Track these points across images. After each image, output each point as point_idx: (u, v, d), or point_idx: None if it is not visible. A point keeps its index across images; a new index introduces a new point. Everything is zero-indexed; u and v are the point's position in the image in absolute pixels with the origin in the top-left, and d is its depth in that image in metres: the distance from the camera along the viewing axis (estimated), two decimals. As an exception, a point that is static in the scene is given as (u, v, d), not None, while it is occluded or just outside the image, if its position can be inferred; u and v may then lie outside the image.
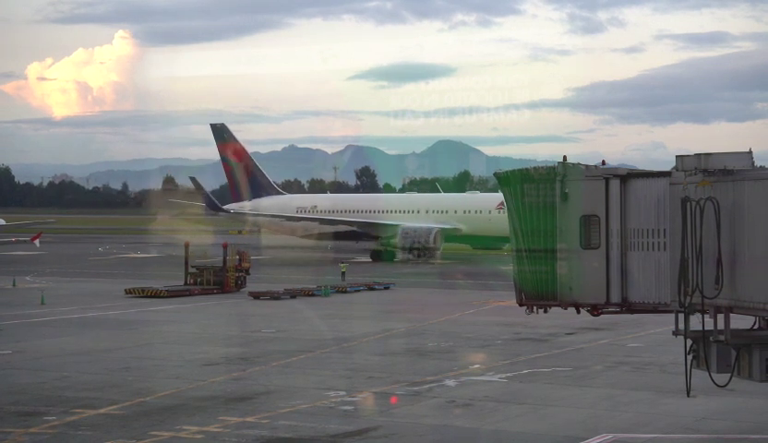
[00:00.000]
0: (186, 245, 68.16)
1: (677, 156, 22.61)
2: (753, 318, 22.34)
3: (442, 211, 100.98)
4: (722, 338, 21.80)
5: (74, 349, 39.27)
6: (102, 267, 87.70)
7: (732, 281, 21.22)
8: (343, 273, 71.78)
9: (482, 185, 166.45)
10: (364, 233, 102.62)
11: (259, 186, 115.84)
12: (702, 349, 22.18)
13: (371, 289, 65.62)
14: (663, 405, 27.94)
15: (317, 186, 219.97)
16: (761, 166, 21.84)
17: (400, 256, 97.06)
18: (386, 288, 66.77)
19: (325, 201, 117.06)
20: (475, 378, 32.71)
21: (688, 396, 23.09)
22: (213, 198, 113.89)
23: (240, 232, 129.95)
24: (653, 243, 22.46)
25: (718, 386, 22.26)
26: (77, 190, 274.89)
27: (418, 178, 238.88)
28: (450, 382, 31.82)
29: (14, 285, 67.19)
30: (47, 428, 25.38)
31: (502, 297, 54.75)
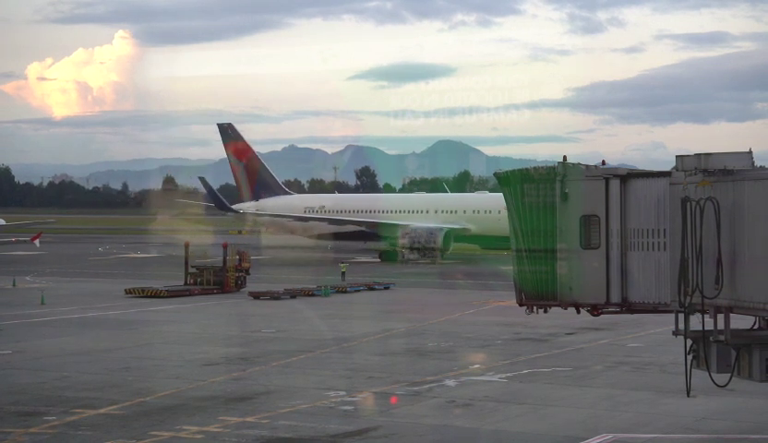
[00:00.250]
0: (186, 246, 68.16)
1: (677, 156, 22.62)
2: (753, 318, 22.34)
3: (451, 211, 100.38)
4: (722, 338, 21.80)
5: (74, 349, 39.27)
6: (102, 267, 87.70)
7: (732, 281, 21.23)
8: (343, 273, 71.77)
9: (482, 185, 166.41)
10: (372, 234, 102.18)
11: (267, 186, 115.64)
12: (702, 349, 22.18)
13: (371, 289, 65.63)
14: (663, 405, 27.94)
15: (316, 186, 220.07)
16: (761, 166, 21.84)
17: (407, 256, 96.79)
18: (386, 288, 66.77)
19: (333, 201, 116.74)
20: (475, 378, 32.71)
21: (688, 396, 23.09)
22: (222, 198, 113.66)
23: (240, 232, 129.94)
24: (653, 243, 22.46)
25: (718, 386, 22.26)
26: (77, 190, 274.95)
27: (418, 178, 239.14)
28: (450, 382, 31.82)
29: (14, 285, 67.19)
30: (47, 428, 25.38)
31: (502, 297, 54.75)
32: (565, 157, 23.29)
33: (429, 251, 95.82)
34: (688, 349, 22.58)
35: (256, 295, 59.79)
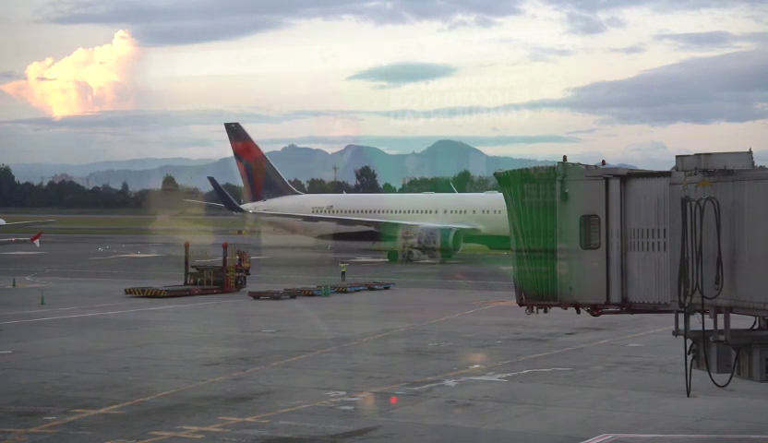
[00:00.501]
0: (186, 245, 68.17)
1: (677, 156, 22.62)
2: (753, 318, 22.34)
3: (461, 211, 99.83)
4: (722, 338, 21.80)
5: (74, 349, 39.27)
6: (102, 267, 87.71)
7: (732, 281, 21.23)
8: (343, 273, 71.78)
9: (482, 186, 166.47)
10: (381, 234, 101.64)
11: (274, 186, 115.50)
12: (702, 349, 22.19)
13: (371, 289, 65.62)
14: (663, 405, 27.94)
15: (316, 186, 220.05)
16: (760, 166, 21.84)
17: (416, 255, 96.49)
18: (386, 288, 66.77)
19: (341, 201, 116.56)
20: (475, 378, 32.71)
21: (688, 396, 23.10)
22: (232, 198, 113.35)
23: (240, 232, 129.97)
24: (653, 243, 22.46)
25: (718, 386, 22.26)
26: (77, 190, 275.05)
27: (418, 178, 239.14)
28: (450, 382, 31.82)
29: (14, 285, 67.18)
30: (47, 428, 25.39)
31: (502, 297, 54.75)
32: (565, 157, 23.30)
33: (438, 251, 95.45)
34: (688, 349, 22.58)
35: (256, 295, 59.79)
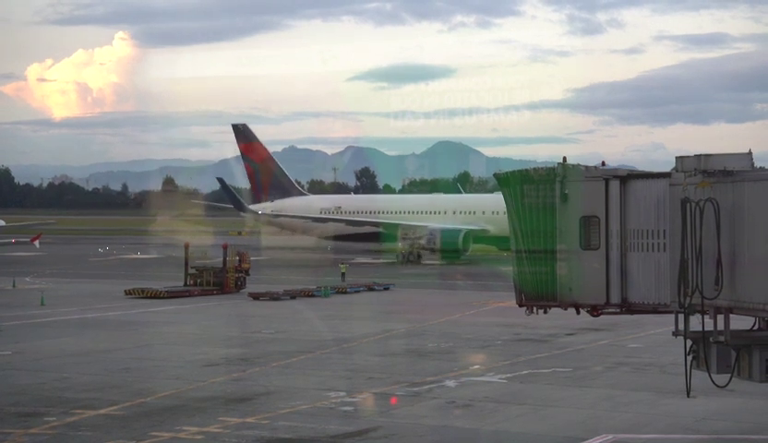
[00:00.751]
0: (186, 246, 68.18)
1: (676, 157, 22.63)
2: (753, 319, 22.35)
3: (470, 212, 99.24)
4: (722, 338, 21.81)
5: (74, 349, 39.27)
6: (102, 268, 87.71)
7: (732, 281, 21.24)
8: (343, 274, 71.78)
9: (481, 187, 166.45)
10: (390, 235, 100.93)
11: (282, 187, 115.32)
12: (701, 349, 22.20)
13: (371, 290, 65.62)
14: (663, 405, 27.95)
15: (316, 187, 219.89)
16: (760, 167, 21.86)
17: (424, 256, 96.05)
18: (386, 289, 66.77)
19: (349, 202, 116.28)
20: (475, 379, 32.72)
21: (688, 396, 23.11)
22: (240, 199, 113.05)
23: (240, 233, 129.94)
24: (652, 244, 22.47)
25: (718, 386, 22.27)
26: (76, 191, 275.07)
27: (418, 179, 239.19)
28: (450, 383, 31.83)
29: (14, 286, 67.17)
30: (47, 429, 25.39)
31: (502, 298, 54.75)
32: (565, 158, 23.32)
33: (447, 252, 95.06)
34: (688, 349, 22.59)
35: (255, 296, 59.80)
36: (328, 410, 27.74)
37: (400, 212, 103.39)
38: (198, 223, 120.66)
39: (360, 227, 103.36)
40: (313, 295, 60.91)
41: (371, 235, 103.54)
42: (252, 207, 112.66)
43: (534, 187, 23.39)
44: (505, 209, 24.86)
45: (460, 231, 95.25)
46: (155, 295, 60.14)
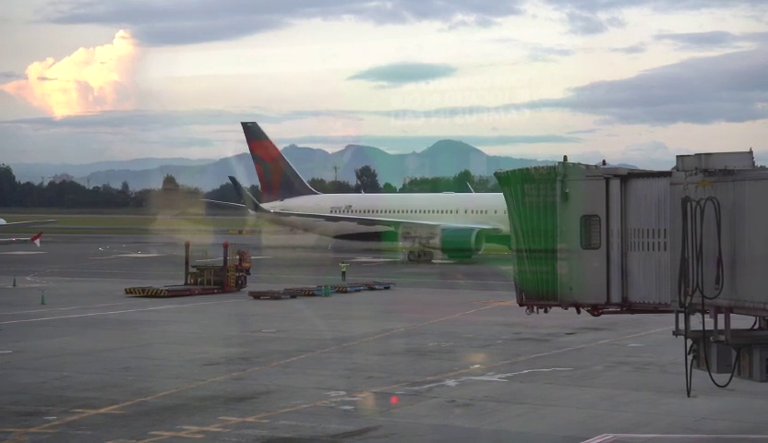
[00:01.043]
0: (187, 245, 68.18)
1: (677, 156, 22.62)
2: (753, 318, 22.34)
3: (481, 211, 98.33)
4: (722, 338, 21.80)
5: (74, 349, 39.27)
6: (103, 267, 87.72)
7: (732, 281, 21.23)
8: (344, 273, 71.77)
9: (482, 186, 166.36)
10: (401, 233, 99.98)
11: (292, 186, 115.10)
12: (702, 349, 22.19)
13: (371, 289, 65.61)
14: (663, 405, 27.94)
15: (317, 186, 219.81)
16: (761, 166, 21.84)
17: (435, 256, 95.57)
18: (386, 288, 66.76)
19: (360, 201, 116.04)
20: (475, 378, 32.71)
21: (688, 396, 23.09)
22: (253, 198, 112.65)
23: (240, 232, 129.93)
24: (653, 243, 22.46)
25: (718, 386, 22.26)
26: (77, 190, 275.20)
27: (419, 178, 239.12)
28: (450, 382, 31.82)
29: (14, 285, 67.17)
30: (47, 428, 25.39)
31: (502, 297, 54.74)
32: (565, 157, 23.30)
33: (460, 252, 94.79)
34: (688, 349, 22.58)
35: (256, 295, 59.79)
36: (328, 409, 27.74)
37: (411, 211, 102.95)
38: (199, 222, 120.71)
39: (371, 226, 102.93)
40: (313, 294, 60.90)
41: (382, 234, 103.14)
42: (262, 205, 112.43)
43: (534, 186, 23.38)
44: None
45: (472, 230, 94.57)
46: (156, 294, 60.14)
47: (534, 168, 23.70)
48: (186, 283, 64.76)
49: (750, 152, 22.00)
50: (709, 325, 21.84)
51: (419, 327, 46.03)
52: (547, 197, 23.12)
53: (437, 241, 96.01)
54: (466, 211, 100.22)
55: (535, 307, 24.03)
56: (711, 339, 21.94)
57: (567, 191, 22.87)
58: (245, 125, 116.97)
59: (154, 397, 29.31)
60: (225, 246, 66.05)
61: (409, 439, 24.47)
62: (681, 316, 22.23)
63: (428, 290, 67.19)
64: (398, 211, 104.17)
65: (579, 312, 23.93)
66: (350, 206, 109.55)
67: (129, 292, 60.98)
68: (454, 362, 35.80)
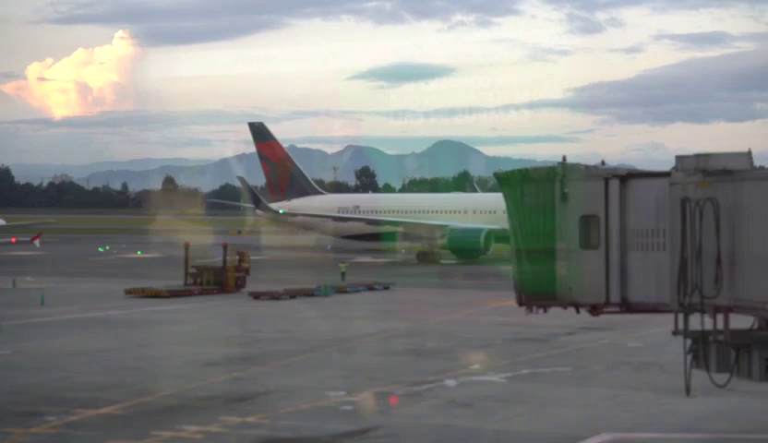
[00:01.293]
0: (186, 246, 68.19)
1: (676, 156, 22.65)
2: (753, 318, 22.37)
3: (490, 212, 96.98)
4: (721, 338, 21.83)
5: (74, 349, 39.28)
6: (103, 267, 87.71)
7: (731, 280, 21.26)
8: (343, 273, 71.77)
9: (482, 186, 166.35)
10: (411, 234, 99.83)
11: (299, 186, 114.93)
12: (701, 349, 22.22)
13: (371, 289, 65.62)
14: (663, 405, 27.98)
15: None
16: (760, 166, 21.87)
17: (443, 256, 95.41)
18: (386, 288, 66.77)
19: (368, 201, 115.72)
20: (476, 378, 32.74)
21: (687, 396, 23.12)
22: (262, 198, 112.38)
23: (240, 232, 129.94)
24: (652, 243, 22.50)
25: (718, 386, 22.29)
26: (77, 190, 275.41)
27: (418, 178, 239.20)
28: (451, 382, 31.84)
29: (14, 285, 67.13)
30: (47, 428, 25.41)
31: (502, 297, 54.75)
32: (565, 157, 23.33)
33: (469, 252, 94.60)
34: (687, 349, 22.61)
35: (256, 295, 59.80)
36: (328, 409, 27.76)
37: (419, 212, 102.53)
38: (198, 223, 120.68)
39: (380, 226, 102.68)
40: (313, 295, 60.91)
41: (391, 235, 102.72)
42: (270, 205, 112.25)
43: (533, 187, 23.40)
44: None
45: (481, 230, 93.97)
46: (155, 295, 60.14)
47: (534, 168, 23.74)
48: (185, 284, 64.77)
49: (749, 152, 22.03)
50: (708, 325, 21.88)
51: (419, 327, 46.06)
52: (547, 198, 23.14)
53: (445, 241, 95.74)
54: (474, 212, 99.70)
55: (535, 307, 24.06)
56: (710, 339, 21.98)
57: (566, 191, 22.89)
58: (251, 125, 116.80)
59: (154, 397, 29.33)
60: (225, 247, 66.06)
61: (409, 439, 24.50)
62: (680, 315, 22.27)
63: (428, 290, 67.18)
64: (406, 212, 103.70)
65: (578, 312, 23.96)
66: (358, 206, 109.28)
67: (129, 292, 60.98)
68: (454, 362, 35.82)
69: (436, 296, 62.45)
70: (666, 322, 28.20)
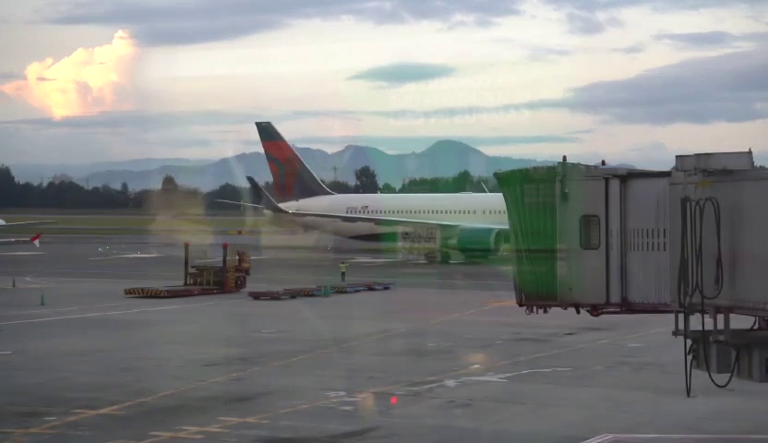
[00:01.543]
0: (186, 246, 68.18)
1: (676, 156, 22.60)
2: (753, 318, 22.34)
3: (500, 212, 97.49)
4: (722, 338, 21.79)
5: (74, 349, 39.26)
6: (102, 267, 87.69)
7: (732, 281, 21.22)
8: (343, 274, 71.76)
9: (475, 186, 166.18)
10: (420, 234, 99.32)
11: (307, 186, 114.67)
12: (701, 349, 22.18)
13: (371, 289, 65.61)
14: (663, 405, 27.95)
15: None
16: (760, 166, 21.83)
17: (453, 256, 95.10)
18: (386, 288, 66.77)
19: (377, 201, 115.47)
20: (475, 378, 32.72)
21: (688, 396, 23.07)
22: (273, 199, 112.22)
23: (240, 232, 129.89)
24: (652, 243, 22.45)
25: (718, 386, 22.25)
26: (76, 190, 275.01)
27: (418, 178, 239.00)
28: (450, 382, 31.83)
29: (14, 285, 67.14)
30: (47, 428, 25.39)
31: (502, 297, 54.73)
32: (565, 157, 23.28)
33: (479, 252, 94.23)
34: (688, 349, 22.57)
35: (256, 296, 59.79)
36: (328, 409, 27.74)
37: (429, 212, 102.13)
38: (198, 223, 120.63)
39: (390, 226, 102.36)
40: (313, 295, 60.90)
41: (401, 235, 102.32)
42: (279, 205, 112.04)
43: (534, 187, 23.35)
44: None
45: (491, 230, 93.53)
46: (155, 295, 60.14)
47: (534, 168, 23.69)
48: (185, 284, 64.77)
49: (750, 152, 21.98)
50: (709, 325, 21.84)
51: (419, 327, 46.04)
52: (547, 198, 23.10)
53: (455, 241, 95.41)
54: (485, 212, 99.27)
55: (535, 307, 24.02)
56: (710, 339, 21.94)
57: (566, 191, 22.85)
58: (259, 124, 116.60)
59: (154, 397, 29.31)
60: (225, 247, 66.07)
61: (409, 440, 24.48)
62: (681, 316, 22.22)
63: (428, 290, 67.19)
64: (416, 212, 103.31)
65: (578, 312, 23.91)
66: (366, 206, 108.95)
67: (129, 292, 60.97)
68: (454, 362, 35.81)
69: (435, 296, 62.46)
70: (666, 322, 28.14)
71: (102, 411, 27.38)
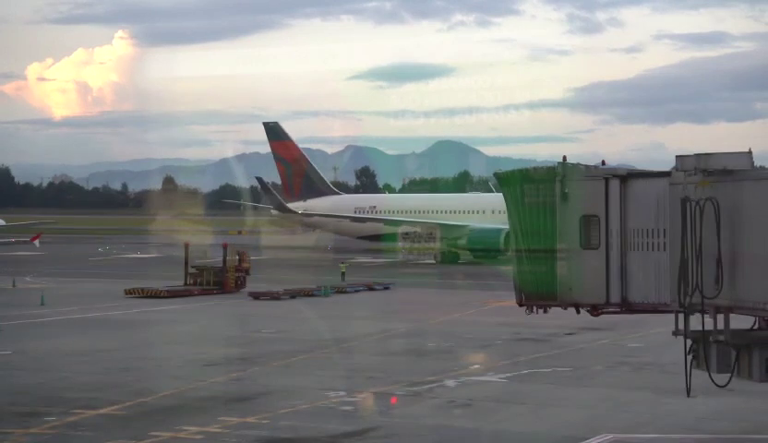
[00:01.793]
0: (186, 246, 68.18)
1: (676, 156, 22.60)
2: (753, 318, 22.34)
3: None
4: (722, 338, 21.79)
5: (74, 349, 39.27)
6: (103, 267, 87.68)
7: (732, 281, 21.21)
8: (343, 274, 71.76)
9: (482, 186, 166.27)
10: (429, 235, 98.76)
11: (314, 187, 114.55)
12: (701, 349, 22.18)
13: (371, 289, 65.61)
14: (663, 405, 27.95)
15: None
16: (760, 166, 21.83)
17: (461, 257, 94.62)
18: (386, 288, 66.77)
19: (384, 202, 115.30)
20: (475, 378, 32.73)
21: (688, 396, 23.08)
22: (281, 199, 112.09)
23: (240, 232, 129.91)
24: (652, 243, 22.45)
25: (718, 386, 22.25)
26: (76, 190, 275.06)
27: (418, 178, 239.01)
28: (450, 382, 31.83)
29: (14, 285, 67.14)
30: (47, 429, 25.39)
31: (502, 297, 54.73)
32: (565, 157, 23.28)
33: (488, 252, 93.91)
34: (688, 349, 22.57)
35: (256, 296, 59.80)
36: (328, 409, 27.75)
37: (437, 212, 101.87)
38: (198, 223, 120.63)
39: (398, 227, 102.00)
40: (313, 295, 60.91)
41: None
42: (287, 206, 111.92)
43: (534, 187, 23.36)
44: None
45: (500, 230, 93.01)
46: (155, 295, 60.15)
47: (534, 168, 23.70)
48: (185, 284, 64.78)
49: (750, 152, 21.98)
50: (709, 325, 21.84)
51: (419, 327, 46.04)
52: (547, 198, 23.10)
53: (464, 242, 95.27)
54: (493, 212, 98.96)
55: (535, 308, 24.02)
56: (710, 339, 21.94)
57: (566, 191, 22.86)
58: (266, 124, 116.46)
59: (154, 397, 29.31)
60: (225, 247, 66.07)
61: (409, 440, 24.48)
62: (681, 316, 22.22)
63: (428, 290, 67.19)
64: (423, 212, 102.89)
65: (578, 312, 23.91)
66: (374, 206, 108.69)
67: (129, 292, 60.97)
68: (454, 362, 35.81)
69: (435, 296, 62.45)
70: (666, 322, 28.15)
71: (101, 411, 27.39)
